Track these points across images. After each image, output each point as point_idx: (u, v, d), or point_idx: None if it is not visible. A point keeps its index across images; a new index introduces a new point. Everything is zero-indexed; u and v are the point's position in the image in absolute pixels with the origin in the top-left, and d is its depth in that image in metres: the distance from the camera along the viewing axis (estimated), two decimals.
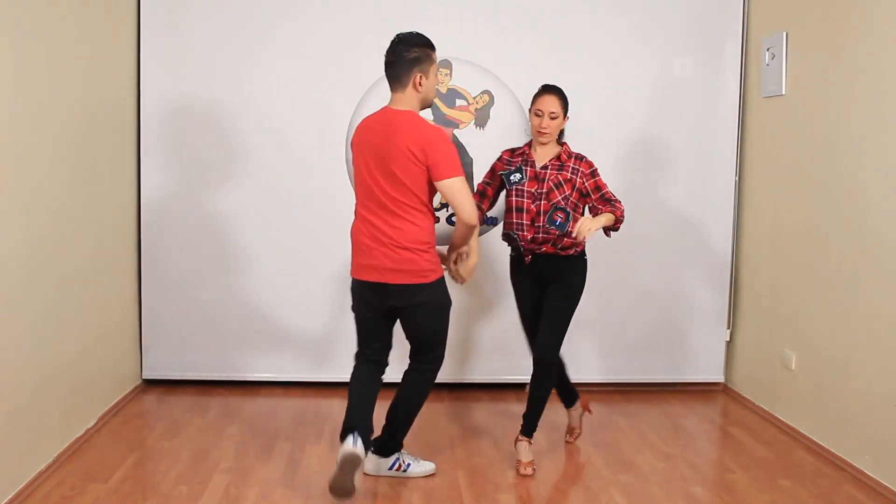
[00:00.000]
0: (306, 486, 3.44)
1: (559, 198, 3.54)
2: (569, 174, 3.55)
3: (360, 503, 3.31)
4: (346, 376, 4.73)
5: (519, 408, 4.29)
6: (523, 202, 3.58)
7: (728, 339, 4.89)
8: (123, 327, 4.50)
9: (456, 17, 4.61)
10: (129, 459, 3.67)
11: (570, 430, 4.00)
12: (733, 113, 4.76)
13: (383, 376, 3.54)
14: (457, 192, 3.15)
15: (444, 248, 3.48)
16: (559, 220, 3.53)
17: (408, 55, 3.23)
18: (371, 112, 3.51)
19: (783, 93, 4.33)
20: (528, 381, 3.70)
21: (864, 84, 3.70)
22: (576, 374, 4.80)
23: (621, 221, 3.53)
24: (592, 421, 4.33)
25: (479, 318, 4.76)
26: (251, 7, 4.59)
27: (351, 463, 3.19)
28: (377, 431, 3.52)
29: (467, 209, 3.17)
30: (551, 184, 3.54)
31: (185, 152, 4.62)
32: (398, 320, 3.41)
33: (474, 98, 4.67)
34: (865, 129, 3.69)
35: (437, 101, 4.52)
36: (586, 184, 3.56)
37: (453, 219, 3.90)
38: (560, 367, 3.81)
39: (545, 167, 3.57)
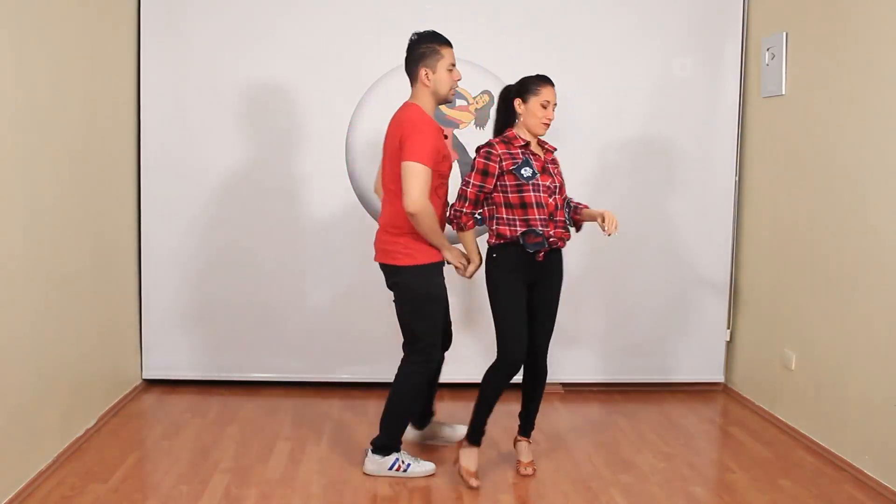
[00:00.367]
0: (306, 486, 3.44)
1: (566, 191, 3.53)
2: (559, 167, 3.54)
3: (360, 500, 3.31)
4: (346, 376, 4.78)
5: (519, 408, 4.29)
6: (542, 197, 3.35)
7: (728, 339, 4.89)
8: (123, 327, 4.50)
9: (456, 17, 4.61)
10: (129, 459, 3.67)
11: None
12: (733, 113, 4.76)
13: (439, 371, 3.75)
14: (409, 176, 3.21)
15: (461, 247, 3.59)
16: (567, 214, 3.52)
17: (415, 52, 3.38)
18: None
19: (783, 93, 4.33)
20: (517, 383, 3.68)
21: (864, 84, 3.70)
22: (576, 374, 4.84)
23: None
24: (593, 421, 4.33)
25: (480, 318, 4.76)
26: (251, 7, 4.59)
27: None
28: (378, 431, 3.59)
29: (411, 196, 3.20)
30: (560, 177, 3.49)
31: (185, 152, 4.62)
32: None
33: (474, 98, 4.67)
34: (865, 129, 3.69)
35: None
36: (561, 176, 3.54)
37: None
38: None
39: (544, 159, 3.48)
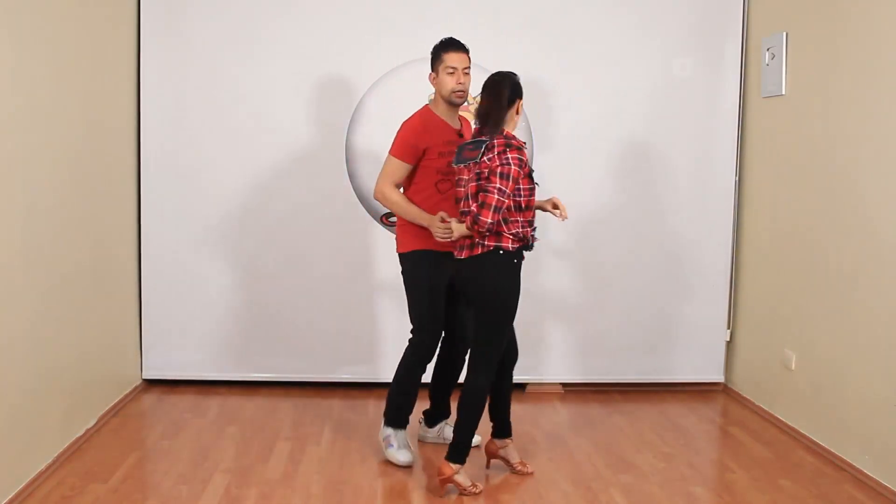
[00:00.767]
0: (306, 486, 3.44)
1: None
2: None
3: (360, 500, 3.31)
4: (346, 376, 4.78)
5: (519, 408, 4.29)
6: (532, 200, 3.32)
7: (728, 339, 4.89)
8: (123, 327, 4.50)
9: (456, 17, 4.61)
10: (129, 459, 3.67)
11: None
12: (733, 113, 4.76)
13: (457, 369, 3.84)
14: (382, 166, 3.62)
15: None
16: None
17: (431, 56, 3.67)
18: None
19: (783, 93, 4.33)
20: (513, 383, 3.67)
21: (863, 84, 3.70)
22: (576, 374, 4.84)
23: None
24: (593, 421, 4.33)
25: None
26: (251, 7, 4.59)
27: None
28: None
29: (377, 185, 3.62)
30: None
31: (184, 152, 4.62)
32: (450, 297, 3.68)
33: (474, 98, 4.67)
34: (865, 130, 3.69)
35: None
36: None
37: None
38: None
39: None
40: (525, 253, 3.34)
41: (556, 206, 3.44)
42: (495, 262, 3.27)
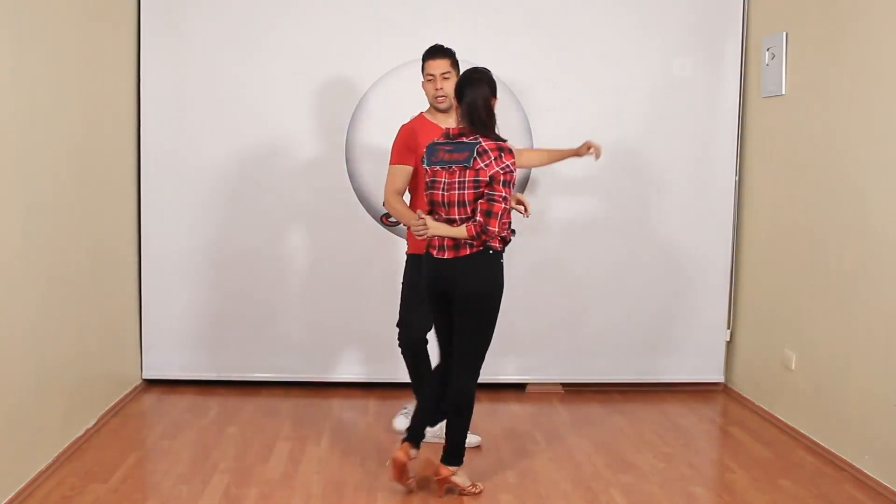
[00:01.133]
0: (306, 486, 3.44)
1: None
2: None
3: (360, 500, 3.31)
4: (345, 376, 4.78)
5: (519, 408, 4.30)
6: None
7: (728, 339, 4.89)
8: (123, 327, 4.50)
9: (456, 17, 4.61)
10: (129, 459, 3.67)
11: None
12: (733, 113, 4.76)
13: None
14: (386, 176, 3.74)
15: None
16: None
17: None
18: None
19: (783, 93, 4.33)
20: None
21: (864, 84, 3.70)
22: (576, 374, 4.83)
23: None
24: (592, 421, 4.33)
25: None
26: (251, 7, 4.59)
27: None
28: None
29: (384, 193, 3.72)
30: None
31: (184, 152, 4.62)
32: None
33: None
34: (865, 130, 3.69)
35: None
36: None
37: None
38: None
39: None
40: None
41: (589, 148, 3.71)
42: (487, 262, 3.25)
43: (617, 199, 4.75)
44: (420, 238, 3.35)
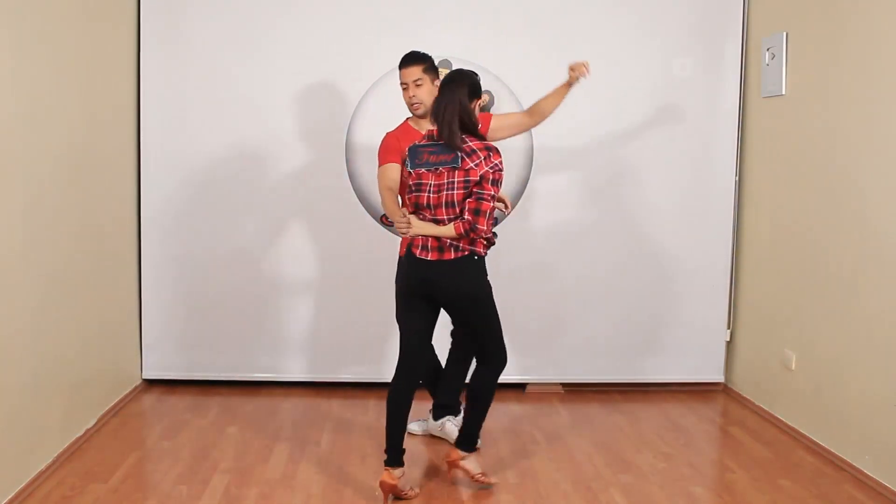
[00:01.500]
0: (306, 486, 3.44)
1: None
2: None
3: (360, 500, 3.31)
4: (345, 376, 4.78)
5: (519, 408, 4.30)
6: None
7: (728, 339, 4.89)
8: (123, 327, 4.50)
9: (456, 17, 4.61)
10: (129, 459, 3.67)
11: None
12: (733, 113, 4.76)
13: (465, 365, 3.90)
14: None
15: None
16: None
17: None
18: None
19: (783, 93, 4.33)
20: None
21: (864, 84, 3.70)
22: (576, 374, 4.84)
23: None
24: (593, 421, 4.33)
25: None
26: (251, 7, 4.59)
27: None
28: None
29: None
30: None
31: (184, 152, 4.62)
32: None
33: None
34: (865, 130, 3.69)
35: None
36: None
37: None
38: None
39: None
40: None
41: (573, 71, 3.67)
42: (473, 266, 3.23)
43: (617, 199, 4.75)
44: (404, 236, 3.33)
